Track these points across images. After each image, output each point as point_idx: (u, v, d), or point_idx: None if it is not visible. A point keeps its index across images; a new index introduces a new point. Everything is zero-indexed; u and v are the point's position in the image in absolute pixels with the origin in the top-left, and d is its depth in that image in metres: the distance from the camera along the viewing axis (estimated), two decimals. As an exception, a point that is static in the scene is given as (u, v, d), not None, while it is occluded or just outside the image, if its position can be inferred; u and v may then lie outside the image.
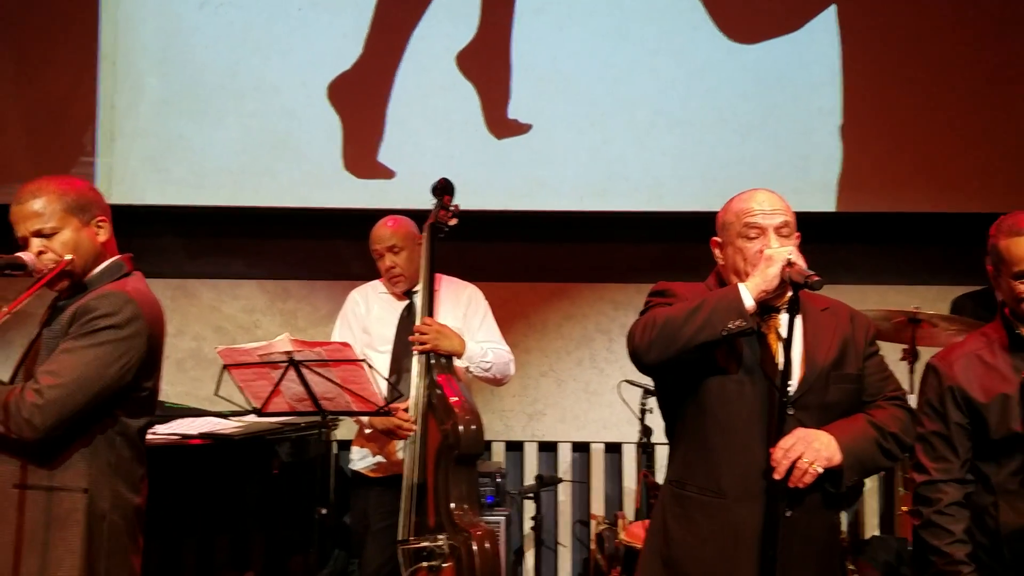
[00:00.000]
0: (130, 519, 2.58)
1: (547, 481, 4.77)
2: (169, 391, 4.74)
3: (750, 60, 5.08)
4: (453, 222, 3.67)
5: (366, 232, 3.89)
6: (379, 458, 3.80)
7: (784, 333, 2.36)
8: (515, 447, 5.21)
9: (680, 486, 2.50)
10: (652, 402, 4.40)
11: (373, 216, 3.97)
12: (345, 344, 3.37)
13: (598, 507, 5.12)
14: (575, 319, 5.26)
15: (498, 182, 5.06)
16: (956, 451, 2.60)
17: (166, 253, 5.16)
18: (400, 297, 3.90)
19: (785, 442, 2.32)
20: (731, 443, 2.41)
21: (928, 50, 5.04)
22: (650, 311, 2.46)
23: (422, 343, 3.52)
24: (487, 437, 3.86)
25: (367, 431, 3.80)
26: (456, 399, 3.45)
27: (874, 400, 2.52)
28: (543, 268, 5.26)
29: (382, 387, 3.48)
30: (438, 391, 3.47)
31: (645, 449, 4.50)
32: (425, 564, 3.38)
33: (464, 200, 3.71)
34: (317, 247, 5.28)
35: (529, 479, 5.01)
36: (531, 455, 5.19)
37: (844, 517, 4.69)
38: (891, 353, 3.84)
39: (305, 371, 3.30)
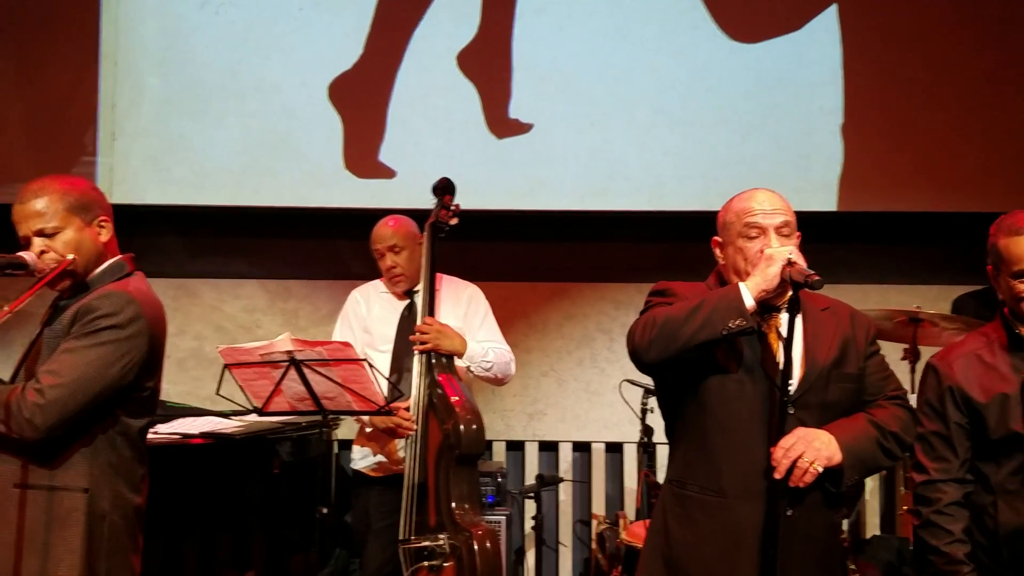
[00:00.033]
0: (130, 519, 2.58)
1: (548, 481, 4.77)
2: (170, 390, 4.74)
3: (751, 59, 5.08)
4: (454, 222, 3.67)
5: (367, 232, 3.90)
6: (380, 457, 3.80)
7: (784, 332, 2.36)
8: (516, 447, 5.21)
9: (681, 486, 2.50)
10: (653, 402, 4.40)
11: (374, 216, 3.97)
12: (346, 344, 3.37)
13: (599, 507, 5.12)
14: (576, 319, 5.26)
15: (499, 182, 5.06)
16: (955, 451, 2.60)
17: (167, 253, 5.16)
18: (401, 297, 3.90)
19: (785, 441, 2.32)
20: (731, 442, 2.41)
21: (928, 50, 5.04)
22: (650, 310, 2.46)
23: (423, 343, 3.52)
24: (488, 437, 3.85)
25: (368, 430, 3.81)
26: (457, 398, 3.45)
27: (875, 399, 2.52)
28: (544, 268, 5.26)
29: (383, 387, 3.48)
30: (439, 390, 3.47)
31: (646, 449, 4.49)
32: (426, 563, 3.38)
33: (465, 200, 3.71)
34: (318, 247, 5.29)
35: (530, 479, 5.01)
36: (532, 455, 5.19)
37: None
38: (892, 353, 3.84)
39: (306, 370, 3.30)
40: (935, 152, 5.05)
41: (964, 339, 2.76)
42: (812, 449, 2.32)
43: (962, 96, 5.02)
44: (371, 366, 3.31)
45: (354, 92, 5.12)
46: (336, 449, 4.72)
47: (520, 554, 4.93)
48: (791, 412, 2.36)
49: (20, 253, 2.53)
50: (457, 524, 3.37)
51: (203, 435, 3.74)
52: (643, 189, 5.07)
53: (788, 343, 2.33)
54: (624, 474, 5.15)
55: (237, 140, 5.12)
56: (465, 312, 3.86)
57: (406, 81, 5.11)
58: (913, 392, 3.25)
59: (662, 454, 4.12)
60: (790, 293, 2.33)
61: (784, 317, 2.39)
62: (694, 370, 2.43)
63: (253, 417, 3.76)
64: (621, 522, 4.33)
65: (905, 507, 4.18)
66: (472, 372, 3.71)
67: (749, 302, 2.31)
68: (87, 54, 5.13)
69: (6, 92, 5.17)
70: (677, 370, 2.45)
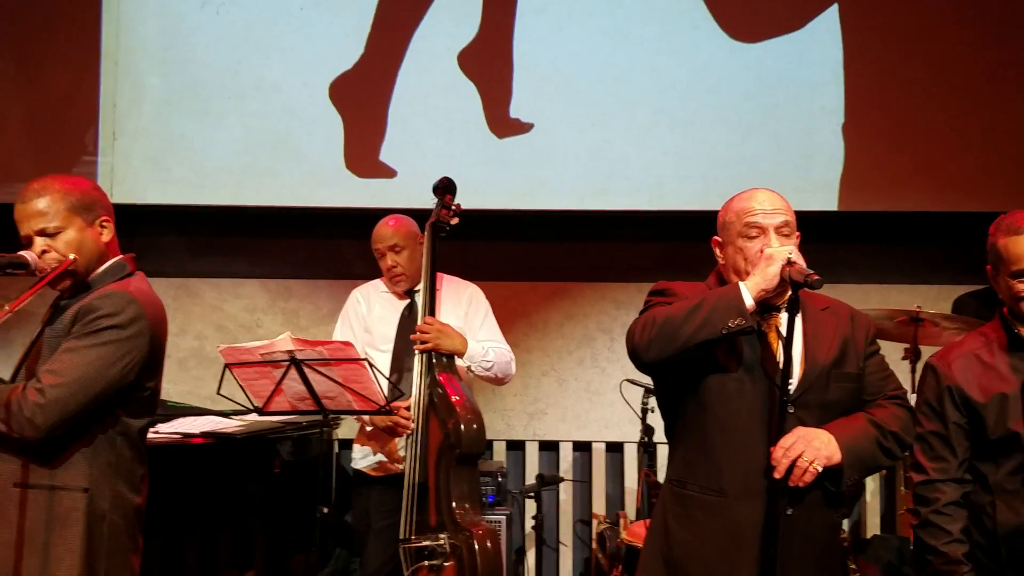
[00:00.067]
0: (130, 519, 2.58)
1: (548, 480, 4.77)
2: (171, 390, 4.75)
3: (751, 59, 5.08)
4: (454, 221, 3.67)
5: (368, 231, 3.90)
6: (381, 457, 3.80)
7: (784, 332, 2.36)
8: (516, 446, 5.21)
9: (681, 485, 2.50)
10: (653, 401, 4.40)
11: (375, 215, 3.97)
12: (347, 343, 3.37)
13: (599, 506, 5.13)
14: (576, 318, 5.26)
15: (499, 181, 5.06)
16: (954, 451, 2.60)
17: (168, 252, 5.17)
18: (401, 296, 3.91)
19: (785, 441, 2.32)
20: (731, 441, 2.41)
21: (928, 50, 5.04)
22: (649, 310, 2.46)
23: (423, 342, 3.52)
24: (488, 436, 3.85)
25: (368, 429, 3.81)
26: (457, 398, 3.45)
27: (874, 399, 2.52)
28: (544, 267, 5.27)
29: (383, 386, 3.48)
30: (439, 390, 3.47)
31: (646, 448, 4.50)
32: (426, 563, 3.38)
33: (465, 199, 3.71)
34: (319, 246, 5.29)
35: (530, 478, 5.01)
36: (532, 454, 5.19)
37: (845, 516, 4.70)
38: (893, 352, 3.85)
39: (307, 370, 3.30)
40: (936, 152, 5.05)
41: (963, 339, 2.76)
42: (812, 448, 2.32)
43: (962, 96, 5.02)
44: (372, 366, 3.32)
45: (355, 92, 5.12)
46: (337, 449, 4.73)
47: (520, 554, 4.93)
48: (791, 411, 2.36)
49: (21, 252, 2.53)
50: (457, 524, 3.37)
51: (204, 435, 3.74)
52: (643, 189, 5.07)
53: (788, 342, 2.33)
54: (624, 474, 5.15)
55: (238, 140, 5.13)
56: (466, 312, 3.86)
57: (407, 81, 5.11)
58: (913, 392, 3.25)
59: (663, 454, 4.12)
60: (790, 293, 2.33)
61: (784, 317, 2.39)
62: (694, 369, 2.43)
63: (254, 416, 3.76)
64: (621, 522, 4.33)
65: (906, 507, 4.19)
66: (472, 372, 3.71)
67: (749, 301, 2.31)
68: (88, 54, 5.13)
69: (7, 92, 5.17)
70: (677, 369, 2.45)
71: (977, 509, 2.59)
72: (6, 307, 2.41)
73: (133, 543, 2.60)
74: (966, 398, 2.59)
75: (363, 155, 5.12)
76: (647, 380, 4.18)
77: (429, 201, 3.70)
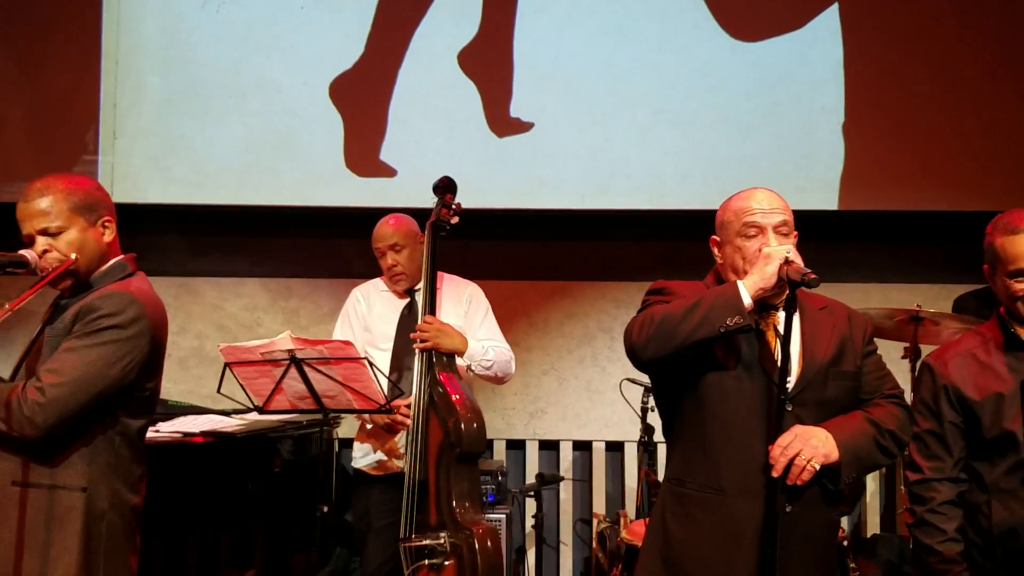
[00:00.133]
0: (128, 519, 2.59)
1: (548, 479, 4.78)
2: (172, 389, 4.76)
3: (752, 58, 5.08)
4: (455, 220, 3.67)
5: (368, 230, 3.90)
6: (381, 456, 3.81)
7: (782, 330, 2.36)
8: (516, 445, 5.21)
9: (679, 484, 2.50)
10: (653, 400, 4.39)
11: (375, 214, 3.97)
12: (347, 342, 3.38)
13: (599, 506, 5.13)
14: (577, 317, 5.26)
15: (500, 180, 5.06)
16: (950, 450, 2.61)
17: (169, 251, 5.17)
18: (401, 295, 3.91)
19: (783, 439, 2.33)
20: (730, 439, 2.42)
21: (929, 50, 5.04)
22: (648, 308, 2.47)
23: (423, 341, 3.52)
24: (488, 435, 3.85)
25: (368, 427, 3.81)
26: (458, 397, 3.45)
27: (871, 398, 2.52)
28: (544, 266, 5.27)
29: (383, 385, 3.49)
30: (440, 389, 3.47)
31: (646, 447, 4.49)
32: (427, 562, 3.38)
33: (466, 198, 3.71)
34: (319, 245, 5.29)
35: (530, 477, 5.02)
36: (532, 453, 5.19)
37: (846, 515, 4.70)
38: (893, 351, 3.86)
39: (307, 369, 3.31)
40: (936, 151, 5.05)
41: (960, 338, 2.77)
42: (809, 447, 2.33)
43: (962, 96, 5.02)
44: (372, 365, 3.32)
45: (355, 91, 5.13)
46: (337, 448, 4.73)
47: (521, 553, 4.94)
48: (789, 409, 2.37)
49: (22, 251, 2.53)
50: (458, 523, 3.37)
51: (204, 434, 3.75)
52: (644, 188, 5.07)
53: (786, 341, 2.34)
54: (625, 473, 5.15)
55: (238, 139, 5.13)
56: (466, 311, 3.86)
57: (407, 80, 5.12)
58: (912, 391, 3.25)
59: (663, 453, 4.10)
60: (787, 292, 2.34)
61: (781, 315, 2.40)
62: (692, 368, 2.44)
63: (254, 415, 3.76)
64: (622, 521, 4.33)
65: (906, 506, 4.19)
66: (472, 371, 3.71)
67: (747, 300, 2.31)
68: (88, 53, 5.14)
69: (7, 92, 5.18)
70: (675, 368, 2.45)
71: (973, 508, 2.59)
72: (6, 306, 2.42)
73: (131, 543, 2.60)
74: (962, 397, 2.59)
75: (363, 154, 5.12)
76: (647, 379, 4.17)
77: (429, 200, 3.70)
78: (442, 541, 3.36)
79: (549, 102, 5.10)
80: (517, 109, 5.11)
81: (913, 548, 2.66)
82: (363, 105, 5.12)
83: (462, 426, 3.40)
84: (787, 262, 2.32)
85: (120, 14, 5.16)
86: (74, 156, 5.13)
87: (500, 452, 5.15)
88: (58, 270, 2.53)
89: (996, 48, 5.03)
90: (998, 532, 2.53)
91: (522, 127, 5.10)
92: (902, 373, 3.60)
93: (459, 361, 3.62)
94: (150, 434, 2.71)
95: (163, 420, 3.84)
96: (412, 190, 4.63)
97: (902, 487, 4.42)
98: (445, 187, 3.69)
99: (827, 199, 5.04)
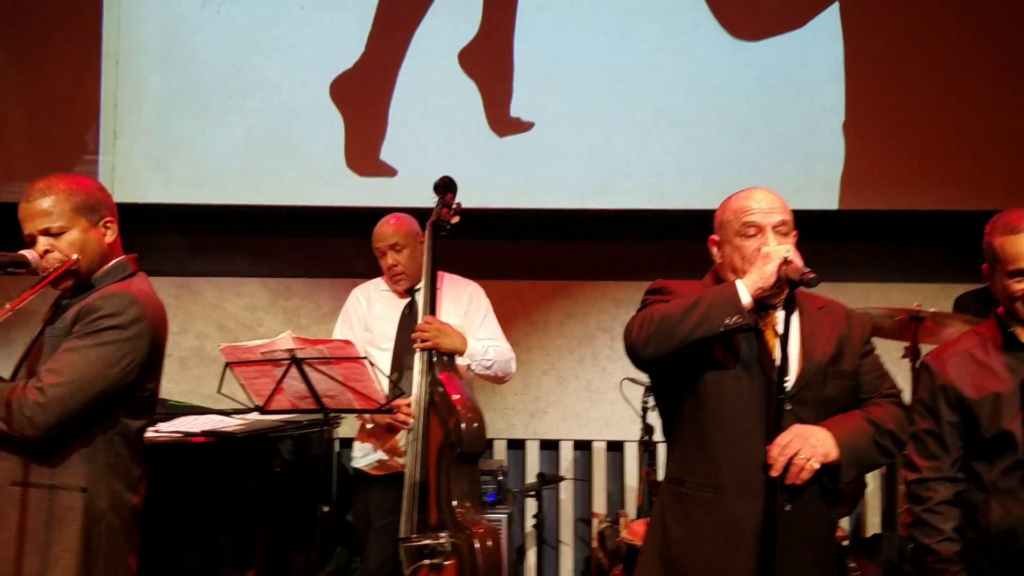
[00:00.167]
0: (127, 519, 2.59)
1: (549, 479, 4.78)
2: (172, 389, 4.76)
3: (752, 58, 5.07)
4: (455, 220, 3.68)
5: (368, 230, 3.90)
6: (381, 455, 3.81)
7: (781, 330, 2.36)
8: (517, 445, 5.21)
9: (678, 483, 2.51)
10: (654, 400, 4.40)
11: (375, 214, 3.98)
12: (347, 342, 3.38)
13: (600, 505, 5.13)
14: (577, 317, 5.26)
15: (500, 180, 5.06)
16: (947, 449, 2.61)
17: (169, 251, 5.17)
18: (402, 295, 3.91)
19: (782, 439, 2.33)
20: (729, 438, 2.42)
21: (929, 49, 5.03)
22: (647, 307, 2.47)
23: (423, 340, 3.52)
24: (489, 435, 3.86)
25: (369, 426, 3.81)
26: (458, 397, 3.46)
27: (870, 398, 2.52)
28: (545, 266, 5.27)
29: (384, 385, 3.49)
30: (440, 389, 3.48)
31: (647, 447, 4.50)
32: (427, 562, 3.39)
33: (466, 198, 3.72)
34: (319, 245, 5.29)
35: (531, 477, 5.01)
36: (533, 453, 5.19)
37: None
38: (893, 351, 3.86)
39: (307, 369, 3.31)
40: (936, 151, 5.05)
41: (958, 338, 2.77)
42: (808, 446, 2.33)
43: (962, 96, 5.02)
44: (372, 364, 3.32)
45: (355, 91, 5.13)
46: (337, 447, 4.74)
47: (521, 553, 4.94)
48: (788, 408, 2.37)
49: (22, 251, 2.53)
50: (458, 522, 3.37)
51: (204, 433, 3.75)
52: (644, 187, 5.07)
53: (785, 340, 2.34)
54: (625, 472, 5.15)
55: (239, 139, 5.13)
56: (466, 310, 3.86)
57: (407, 80, 5.11)
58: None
59: (663, 452, 4.12)
60: (786, 291, 2.34)
61: (780, 315, 2.41)
62: (691, 367, 2.44)
63: (254, 415, 3.77)
64: (622, 521, 4.34)
65: (906, 505, 4.19)
66: (473, 370, 3.71)
67: (746, 299, 2.32)
68: (88, 53, 5.13)
69: (8, 92, 5.18)
70: (674, 367, 2.45)
71: (971, 508, 2.59)
72: (7, 305, 2.42)
73: (131, 543, 2.60)
74: (960, 397, 2.59)
75: (364, 154, 5.12)
76: (647, 379, 4.18)
77: (430, 200, 3.71)
78: (442, 541, 3.36)
79: (549, 102, 5.10)
80: (517, 109, 5.10)
81: (912, 548, 2.65)
82: (363, 105, 5.12)
83: (462, 426, 3.41)
84: (786, 262, 2.32)
85: (120, 14, 5.16)
86: (74, 156, 5.13)
87: (500, 452, 5.15)
88: (59, 270, 2.53)
89: (996, 48, 5.02)
90: (996, 532, 2.53)
91: (522, 127, 5.10)
92: (902, 373, 3.61)
93: (459, 361, 3.63)
94: (150, 434, 2.72)
95: (163, 420, 3.84)
96: (412, 190, 4.63)
97: (902, 487, 4.43)
98: (445, 187, 3.69)
99: (827, 199, 5.04)
